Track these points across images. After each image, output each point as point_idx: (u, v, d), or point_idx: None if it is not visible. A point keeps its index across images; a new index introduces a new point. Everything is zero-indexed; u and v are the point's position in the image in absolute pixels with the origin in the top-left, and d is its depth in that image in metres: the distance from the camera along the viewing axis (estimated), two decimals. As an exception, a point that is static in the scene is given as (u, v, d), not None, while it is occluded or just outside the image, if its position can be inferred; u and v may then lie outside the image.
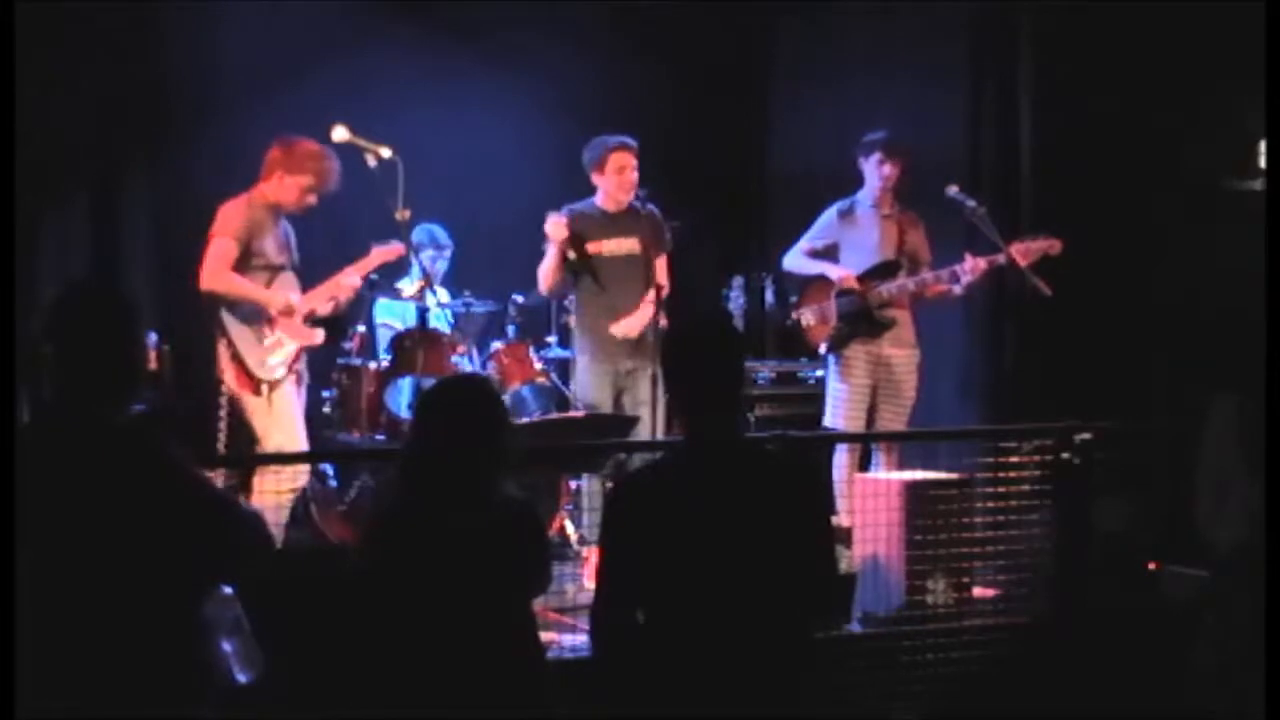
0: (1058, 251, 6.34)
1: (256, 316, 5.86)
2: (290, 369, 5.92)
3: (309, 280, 6.11)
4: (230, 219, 5.79)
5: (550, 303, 7.47)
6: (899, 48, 7.66)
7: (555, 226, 6.36)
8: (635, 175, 6.42)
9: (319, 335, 6.06)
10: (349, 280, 6.12)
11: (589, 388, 6.50)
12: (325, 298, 6.07)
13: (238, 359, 5.80)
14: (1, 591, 2.79)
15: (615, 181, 6.41)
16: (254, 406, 5.82)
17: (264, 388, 5.83)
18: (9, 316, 4.43)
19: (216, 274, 5.75)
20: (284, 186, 5.86)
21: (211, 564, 3.03)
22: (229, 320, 5.81)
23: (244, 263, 5.81)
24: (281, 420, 5.86)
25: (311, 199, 5.92)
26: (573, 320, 6.73)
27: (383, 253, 6.24)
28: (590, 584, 5.74)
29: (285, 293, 5.91)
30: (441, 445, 3.52)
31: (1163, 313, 6.70)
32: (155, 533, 2.89)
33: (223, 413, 5.84)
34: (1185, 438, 4.39)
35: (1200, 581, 5.18)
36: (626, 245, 6.48)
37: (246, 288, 5.81)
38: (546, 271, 6.47)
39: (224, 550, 3.01)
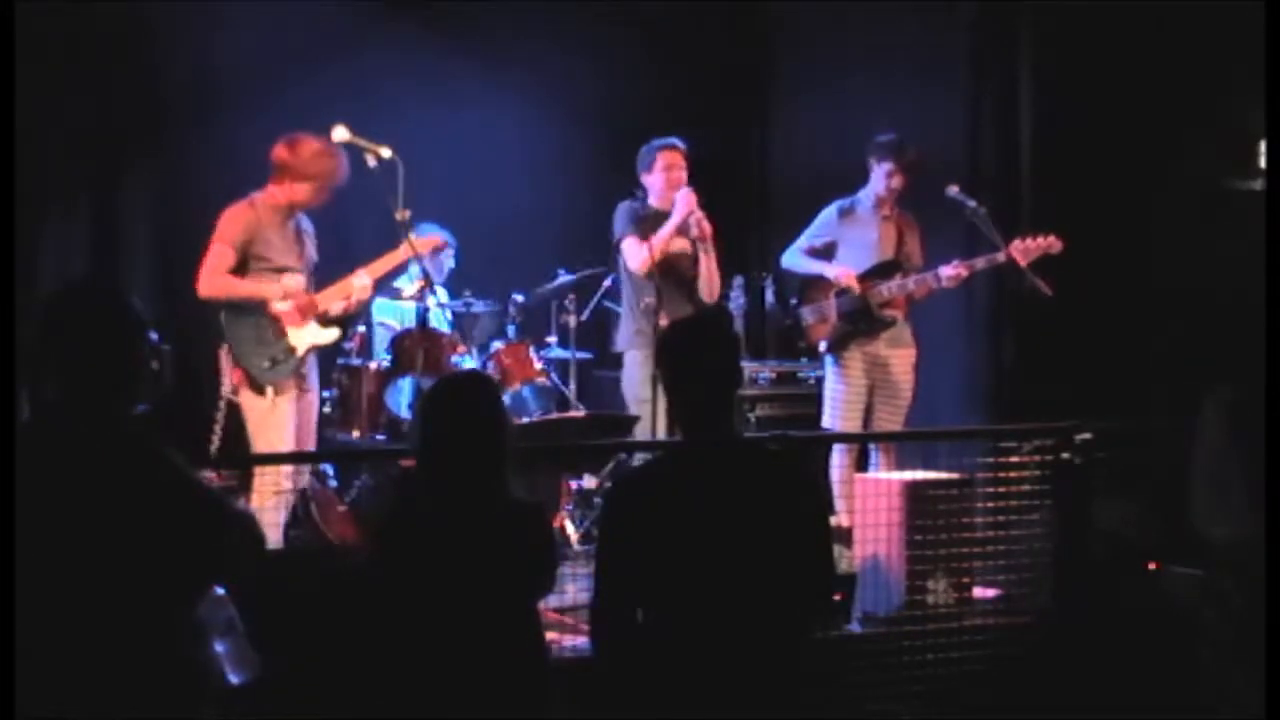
0: (1058, 250, 6.34)
1: (261, 318, 5.80)
2: (298, 372, 5.88)
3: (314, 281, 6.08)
4: (229, 225, 5.76)
5: (551, 303, 7.49)
6: (899, 48, 7.66)
7: (692, 200, 6.33)
8: (683, 175, 6.45)
9: (331, 335, 6.01)
10: (362, 281, 6.03)
11: (638, 382, 6.37)
12: (338, 297, 6.00)
13: (240, 363, 5.77)
14: (2, 592, 2.79)
15: (664, 179, 6.46)
16: (256, 407, 5.78)
17: (269, 390, 5.80)
18: (9, 316, 4.44)
19: (211, 279, 5.73)
20: (295, 190, 5.83)
21: (205, 565, 3.03)
22: (230, 324, 5.78)
23: (245, 267, 5.78)
24: (280, 426, 5.80)
25: (325, 196, 5.89)
26: (624, 314, 6.65)
27: (418, 244, 6.10)
28: (577, 579, 5.77)
29: (282, 281, 5.82)
30: (446, 442, 3.53)
31: (1163, 313, 6.70)
32: (150, 534, 2.88)
33: (220, 415, 5.81)
34: (1185, 437, 4.40)
35: (1200, 580, 5.18)
36: (679, 243, 6.45)
37: (242, 287, 5.77)
38: (659, 244, 6.34)
39: (217, 551, 3.01)
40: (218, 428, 5.80)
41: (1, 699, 2.78)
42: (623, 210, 6.52)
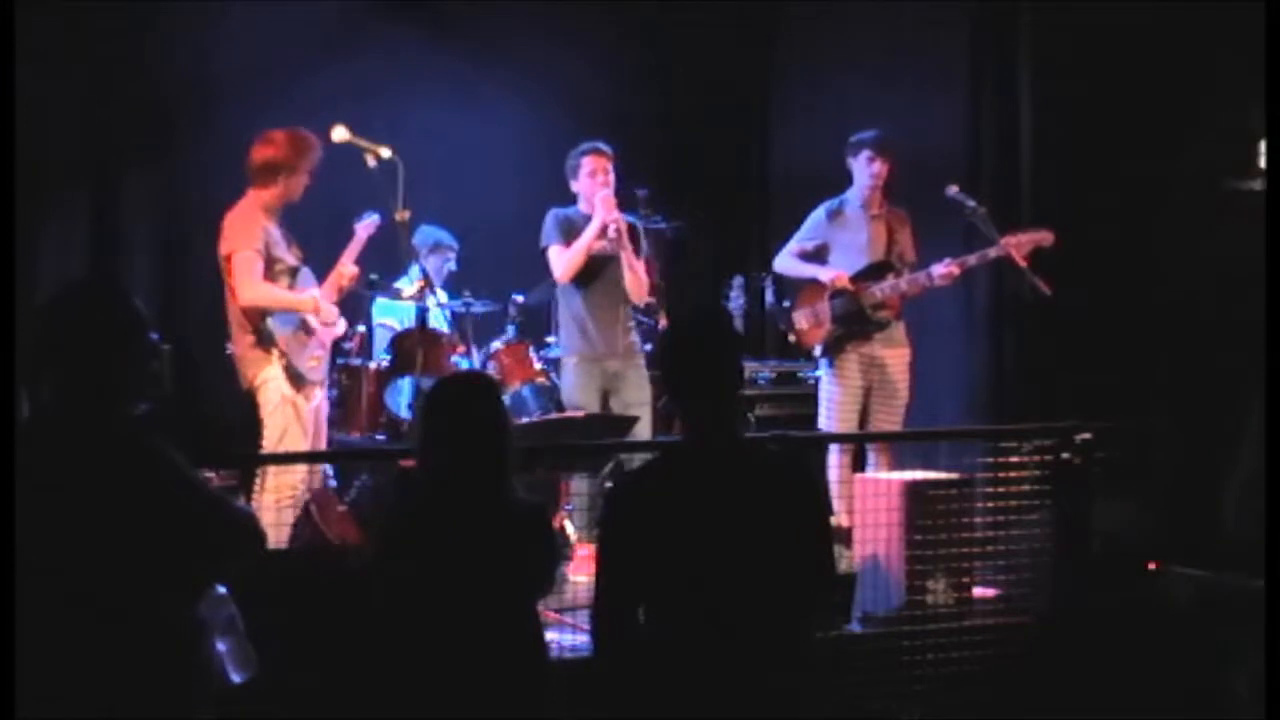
0: (1050, 243, 6.34)
1: (295, 322, 5.83)
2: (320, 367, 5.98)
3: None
4: (248, 230, 5.69)
5: (551, 302, 7.48)
6: (899, 48, 7.66)
7: (610, 204, 6.34)
8: (609, 178, 6.44)
9: (342, 325, 6.10)
10: (348, 268, 6.08)
11: (575, 388, 6.50)
12: (335, 289, 6.05)
13: (290, 369, 5.76)
14: (2, 591, 2.79)
15: (589, 185, 6.46)
16: (300, 407, 5.79)
17: (316, 393, 5.85)
18: (9, 316, 4.44)
19: (254, 288, 5.67)
20: (292, 184, 5.80)
21: (204, 564, 3.03)
22: (277, 330, 5.76)
23: (268, 270, 5.73)
24: (309, 425, 5.85)
25: (309, 182, 5.88)
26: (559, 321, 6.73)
27: (365, 227, 6.15)
28: (577, 579, 5.79)
29: (312, 292, 5.88)
30: (446, 442, 3.53)
31: (1162, 313, 6.70)
32: (149, 533, 2.89)
33: (268, 418, 5.76)
34: (1184, 438, 4.40)
35: (1200, 581, 5.18)
36: (600, 247, 6.46)
37: (284, 298, 5.77)
38: (578, 252, 6.40)
39: (216, 550, 3.01)
40: (267, 433, 5.76)
41: (1, 699, 2.78)
42: (550, 218, 6.54)
